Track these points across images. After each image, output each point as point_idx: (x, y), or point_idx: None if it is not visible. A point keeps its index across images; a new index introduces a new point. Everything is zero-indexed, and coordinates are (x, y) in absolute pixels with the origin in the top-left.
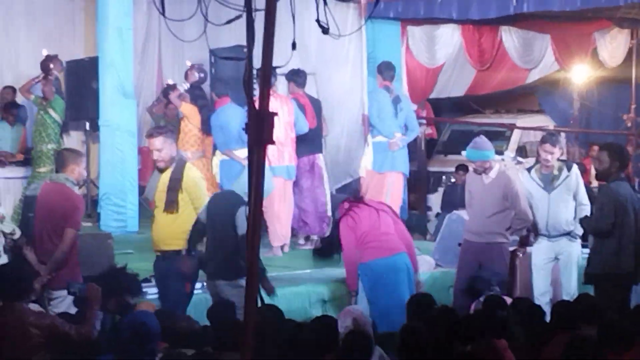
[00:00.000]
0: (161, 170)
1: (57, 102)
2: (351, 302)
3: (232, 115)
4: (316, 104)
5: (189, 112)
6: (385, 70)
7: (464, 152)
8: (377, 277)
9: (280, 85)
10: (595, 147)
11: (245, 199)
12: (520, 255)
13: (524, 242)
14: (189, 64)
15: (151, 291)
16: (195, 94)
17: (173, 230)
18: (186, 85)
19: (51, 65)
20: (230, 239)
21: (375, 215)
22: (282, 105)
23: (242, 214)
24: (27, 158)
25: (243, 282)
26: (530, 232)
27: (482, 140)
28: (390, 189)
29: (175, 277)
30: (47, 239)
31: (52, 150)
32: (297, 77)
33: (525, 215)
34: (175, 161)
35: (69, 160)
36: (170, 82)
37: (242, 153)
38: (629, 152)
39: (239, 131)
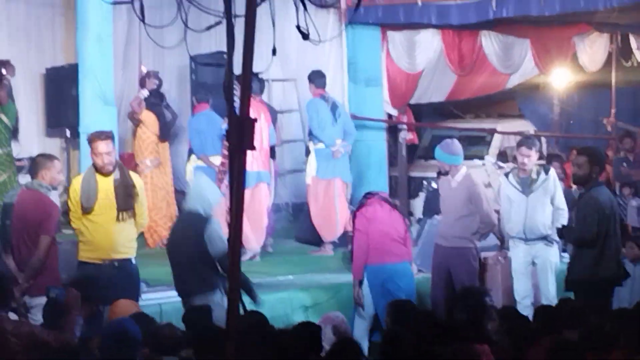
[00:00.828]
0: (105, 175)
1: (10, 107)
2: (357, 291)
3: (209, 122)
4: (272, 112)
5: (147, 119)
6: (317, 78)
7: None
8: (381, 282)
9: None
10: (574, 152)
11: (202, 213)
12: (502, 260)
13: (502, 247)
14: (144, 70)
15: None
16: (151, 101)
17: (125, 237)
18: (146, 93)
19: (3, 71)
20: (201, 258)
21: (389, 218)
22: (259, 112)
23: (211, 233)
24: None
25: (217, 297)
26: (503, 237)
27: (451, 142)
28: (337, 195)
29: (130, 286)
30: (24, 247)
31: (3, 155)
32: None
33: (488, 218)
34: (118, 167)
35: (39, 166)
36: (144, 69)
37: (216, 160)
38: (607, 156)
39: (213, 138)
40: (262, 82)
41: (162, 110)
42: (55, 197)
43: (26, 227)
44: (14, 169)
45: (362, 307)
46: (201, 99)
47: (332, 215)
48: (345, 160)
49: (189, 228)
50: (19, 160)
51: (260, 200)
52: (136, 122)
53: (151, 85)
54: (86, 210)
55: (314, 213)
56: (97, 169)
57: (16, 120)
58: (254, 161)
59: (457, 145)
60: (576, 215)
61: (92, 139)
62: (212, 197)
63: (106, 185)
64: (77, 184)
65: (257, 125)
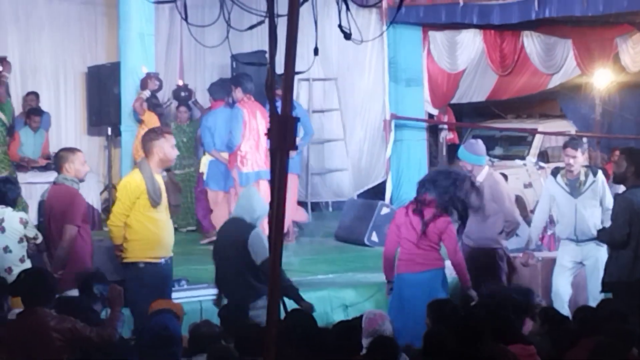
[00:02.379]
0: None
1: (7, 105)
2: (387, 291)
3: (221, 119)
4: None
5: (149, 120)
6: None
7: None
8: (402, 291)
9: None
10: (617, 152)
11: (250, 221)
12: (532, 260)
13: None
14: (145, 70)
15: (174, 296)
16: (152, 102)
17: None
18: (147, 93)
19: (0, 68)
20: (246, 264)
21: (418, 226)
22: (262, 110)
23: (254, 240)
24: (49, 164)
25: (261, 302)
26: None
27: (475, 142)
28: (290, 189)
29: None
30: (53, 241)
31: (2, 154)
32: (243, 82)
33: (511, 216)
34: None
35: (62, 160)
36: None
37: (226, 156)
38: None
39: (223, 135)
40: (249, 80)
41: (163, 111)
42: (94, 193)
43: (55, 221)
44: (13, 167)
45: None
46: (217, 97)
47: None
48: (298, 156)
49: (234, 234)
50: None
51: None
52: (139, 121)
53: (152, 86)
54: (156, 204)
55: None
56: (162, 164)
57: (13, 118)
58: (253, 162)
59: (481, 145)
60: (611, 216)
61: (170, 132)
62: (259, 209)
63: (160, 181)
64: (138, 178)
65: (254, 125)
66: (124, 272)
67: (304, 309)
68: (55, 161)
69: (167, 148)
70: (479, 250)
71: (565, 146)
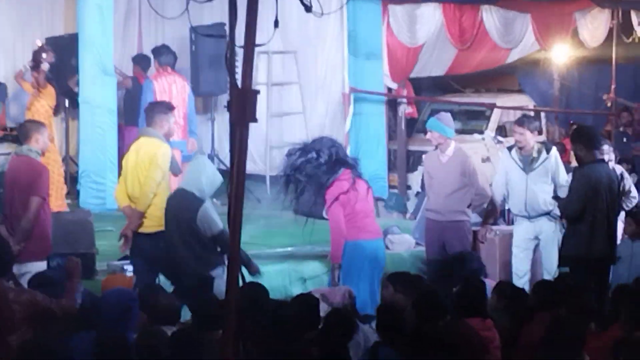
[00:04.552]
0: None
1: (49, 91)
2: (335, 275)
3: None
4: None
5: (50, 93)
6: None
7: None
8: (357, 258)
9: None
10: (574, 127)
11: (197, 194)
12: (490, 234)
13: (488, 219)
14: (39, 43)
15: (131, 268)
16: (49, 75)
17: None
18: (47, 66)
19: (44, 55)
20: (195, 237)
21: (365, 195)
22: (182, 82)
23: (203, 217)
24: (6, 135)
25: (218, 271)
26: (494, 209)
27: (446, 116)
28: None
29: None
30: (16, 212)
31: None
32: (161, 54)
33: (483, 190)
34: None
35: (32, 131)
36: (39, 42)
37: None
38: (606, 132)
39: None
40: (167, 52)
41: (54, 85)
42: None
43: (19, 192)
44: None
45: None
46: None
47: None
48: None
49: (181, 208)
50: (12, 129)
51: None
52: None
53: (50, 58)
54: (179, 172)
55: None
56: (167, 137)
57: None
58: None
59: (451, 119)
60: (568, 189)
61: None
62: (211, 182)
63: None
64: (167, 151)
65: (175, 96)
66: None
67: (252, 272)
68: (22, 131)
69: (172, 123)
70: (448, 223)
71: (515, 122)
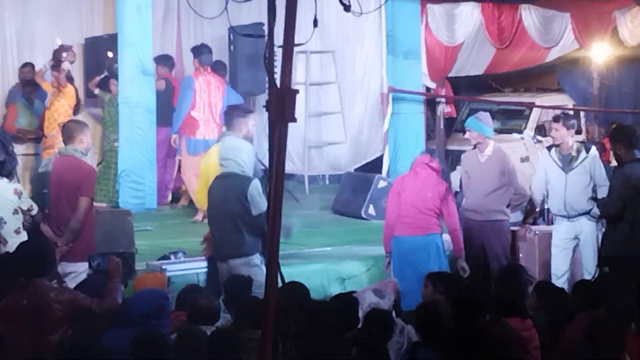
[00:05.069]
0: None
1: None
2: (386, 262)
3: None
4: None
5: (70, 93)
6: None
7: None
8: (404, 254)
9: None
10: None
11: (240, 173)
12: (529, 233)
13: (527, 219)
14: (59, 42)
15: (170, 268)
16: (70, 75)
17: None
18: (68, 65)
19: (64, 54)
20: (241, 218)
21: (420, 188)
22: (219, 82)
23: (252, 190)
24: (44, 135)
25: (256, 259)
26: (534, 209)
27: (485, 115)
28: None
29: None
30: (63, 213)
31: None
32: (202, 53)
33: (523, 190)
34: None
35: (76, 131)
36: (59, 41)
37: None
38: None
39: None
40: (211, 53)
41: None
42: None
43: (66, 192)
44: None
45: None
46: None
47: None
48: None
49: (229, 189)
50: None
51: None
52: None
53: (70, 58)
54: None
55: None
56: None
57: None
58: (205, 130)
59: (490, 119)
60: (608, 189)
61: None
62: (247, 157)
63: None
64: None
65: (214, 96)
66: None
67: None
68: (66, 132)
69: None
70: (487, 222)
71: (551, 120)
